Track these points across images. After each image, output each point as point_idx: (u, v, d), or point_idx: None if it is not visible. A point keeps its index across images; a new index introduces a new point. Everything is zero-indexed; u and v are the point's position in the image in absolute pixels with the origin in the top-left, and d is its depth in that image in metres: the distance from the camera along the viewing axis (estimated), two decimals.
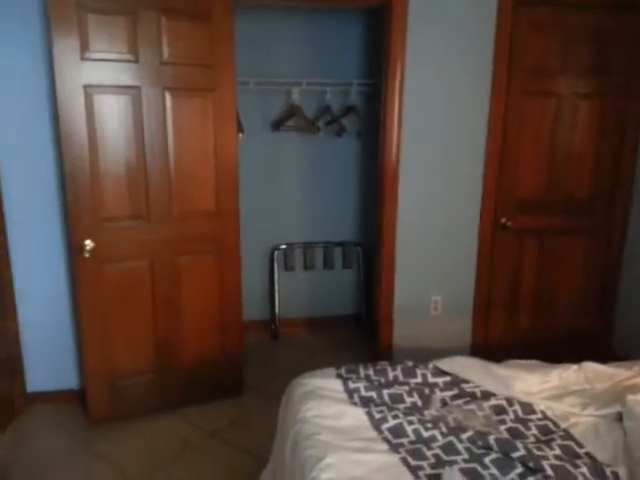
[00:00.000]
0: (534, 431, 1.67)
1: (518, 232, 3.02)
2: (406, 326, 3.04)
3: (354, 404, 1.77)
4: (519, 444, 1.54)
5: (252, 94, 3.32)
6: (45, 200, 2.60)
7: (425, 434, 1.61)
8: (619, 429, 1.67)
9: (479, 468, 1.47)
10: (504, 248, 3.03)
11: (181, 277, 2.64)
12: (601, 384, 1.91)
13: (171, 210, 2.57)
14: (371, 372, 1.97)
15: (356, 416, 1.70)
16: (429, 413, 1.74)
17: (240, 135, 3.02)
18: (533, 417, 1.74)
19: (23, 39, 2.44)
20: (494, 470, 1.46)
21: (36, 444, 2.49)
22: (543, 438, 1.63)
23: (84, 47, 2.27)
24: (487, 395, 1.84)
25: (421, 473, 1.45)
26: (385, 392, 1.83)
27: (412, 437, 1.61)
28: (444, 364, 2.02)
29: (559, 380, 1.94)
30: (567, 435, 1.64)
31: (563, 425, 1.70)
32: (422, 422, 1.66)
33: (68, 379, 2.76)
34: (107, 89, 2.36)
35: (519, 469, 1.46)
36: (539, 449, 1.54)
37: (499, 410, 1.75)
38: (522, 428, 1.67)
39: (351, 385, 1.86)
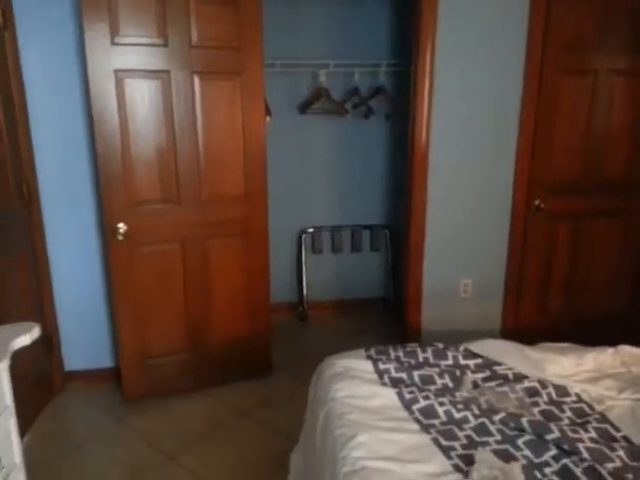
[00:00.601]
0: (568, 414, 1.64)
1: (552, 214, 2.95)
2: (435, 309, 3.02)
3: (384, 385, 1.77)
4: (553, 426, 1.52)
5: (279, 77, 3.31)
6: (79, 185, 2.66)
7: (457, 415, 1.61)
8: None
9: (512, 449, 1.46)
10: (537, 230, 2.97)
11: (211, 260, 2.67)
12: (638, 368, 1.86)
13: (201, 193, 2.59)
14: (401, 354, 1.96)
15: (387, 396, 1.70)
16: (460, 395, 1.73)
17: (268, 118, 3.01)
18: (567, 400, 1.71)
19: (56, 25, 2.47)
20: (527, 452, 1.45)
21: (74, 420, 2.58)
22: (578, 421, 1.61)
23: (114, 32, 2.30)
24: (520, 377, 1.82)
25: (453, 453, 1.45)
26: (415, 373, 1.83)
27: (443, 418, 1.60)
28: (475, 346, 2.00)
29: (594, 363, 1.90)
30: (603, 418, 1.61)
31: (598, 408, 1.67)
32: (453, 403, 1.66)
33: (104, 358, 2.85)
34: (137, 73, 2.39)
35: (553, 451, 1.44)
36: (574, 432, 1.51)
37: (532, 392, 1.73)
38: (556, 410, 1.65)
39: (381, 366, 1.86)
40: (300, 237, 3.72)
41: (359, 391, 1.72)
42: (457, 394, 1.73)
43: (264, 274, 2.80)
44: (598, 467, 1.35)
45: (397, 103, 3.43)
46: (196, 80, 2.47)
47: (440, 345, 2.00)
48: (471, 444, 1.49)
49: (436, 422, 1.58)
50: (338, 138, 3.58)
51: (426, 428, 1.55)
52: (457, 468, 1.39)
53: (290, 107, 3.47)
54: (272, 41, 2.91)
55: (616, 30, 2.76)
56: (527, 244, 2.98)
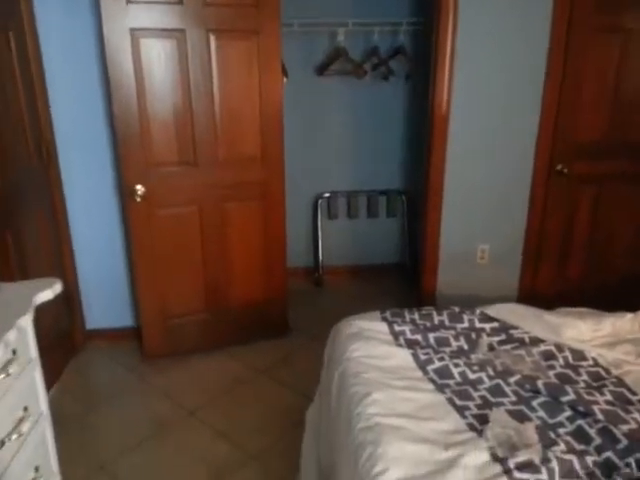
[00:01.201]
0: (584, 377, 1.64)
1: (574, 178, 2.87)
2: (451, 274, 3.01)
3: (399, 346, 1.78)
4: (569, 388, 1.52)
5: (296, 37, 3.23)
6: (97, 146, 2.67)
7: (471, 376, 1.62)
8: None
9: (526, 410, 1.47)
10: (558, 195, 2.90)
11: (228, 222, 2.69)
12: None
13: (217, 155, 2.58)
14: (416, 316, 1.96)
15: (402, 357, 1.72)
16: (476, 357, 1.73)
17: (284, 79, 2.96)
18: (584, 364, 1.70)
19: None
20: (542, 413, 1.46)
21: (96, 376, 2.68)
22: (594, 384, 1.61)
23: None
24: (536, 341, 1.81)
25: (467, 413, 1.46)
26: (431, 335, 1.84)
27: (458, 379, 1.62)
28: (491, 310, 1.99)
29: (612, 328, 1.89)
30: (619, 382, 1.61)
31: (615, 372, 1.66)
32: (468, 365, 1.67)
33: (125, 317, 2.91)
34: (152, 32, 2.35)
35: (568, 412, 1.44)
36: (589, 394, 1.51)
37: (548, 356, 1.73)
38: (572, 374, 1.65)
39: (396, 328, 1.87)
40: (316, 202, 3.71)
41: (374, 351, 1.73)
42: (472, 356, 1.74)
43: (280, 237, 2.81)
44: (612, 428, 1.36)
45: (417, 63, 3.34)
46: (212, 39, 2.43)
47: (456, 309, 2.00)
48: (485, 404, 1.50)
49: (451, 382, 1.60)
50: (356, 100, 3.51)
51: (441, 388, 1.57)
52: (471, 427, 1.40)
53: (307, 68, 3.39)
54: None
55: None
56: (547, 209, 2.92)
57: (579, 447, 1.32)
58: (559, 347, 1.77)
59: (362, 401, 1.49)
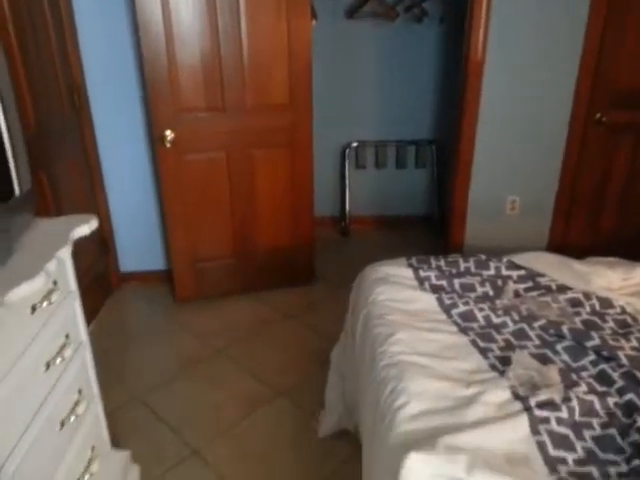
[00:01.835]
0: (611, 324, 1.63)
1: (613, 128, 2.76)
2: (479, 225, 2.98)
3: (424, 290, 1.80)
4: (594, 334, 1.52)
5: None
6: (127, 92, 2.68)
7: (496, 320, 1.63)
8: None
9: (550, 354, 1.48)
10: (595, 145, 2.80)
11: (255, 169, 2.70)
12: None
13: (245, 101, 2.57)
14: (442, 263, 1.97)
15: (426, 301, 1.73)
16: (501, 302, 1.74)
17: (313, 22, 2.87)
18: (611, 311, 1.69)
19: None
20: (565, 357, 1.47)
21: (131, 315, 2.81)
22: (620, 331, 1.60)
23: None
24: (563, 289, 1.80)
25: (490, 354, 1.48)
26: (456, 281, 1.85)
27: (482, 322, 1.63)
28: (519, 258, 1.98)
29: None
30: None
31: None
32: (493, 310, 1.68)
33: (156, 260, 3.01)
34: None
35: (592, 357, 1.45)
36: (615, 340, 1.51)
37: (575, 303, 1.72)
38: (598, 321, 1.64)
39: (422, 273, 1.88)
40: (344, 151, 3.67)
41: (399, 295, 1.76)
42: (497, 302, 1.74)
43: (308, 185, 2.81)
44: (636, 372, 1.36)
45: (452, 4, 3.19)
46: None
47: (483, 256, 1.99)
48: (509, 347, 1.52)
49: (474, 325, 1.62)
50: (386, 45, 3.40)
51: (464, 330, 1.59)
52: (493, 367, 1.43)
53: (337, 11, 3.28)
54: None
55: None
56: (583, 159, 2.83)
57: (601, 389, 1.34)
58: (586, 295, 1.75)
59: (386, 340, 1.52)
